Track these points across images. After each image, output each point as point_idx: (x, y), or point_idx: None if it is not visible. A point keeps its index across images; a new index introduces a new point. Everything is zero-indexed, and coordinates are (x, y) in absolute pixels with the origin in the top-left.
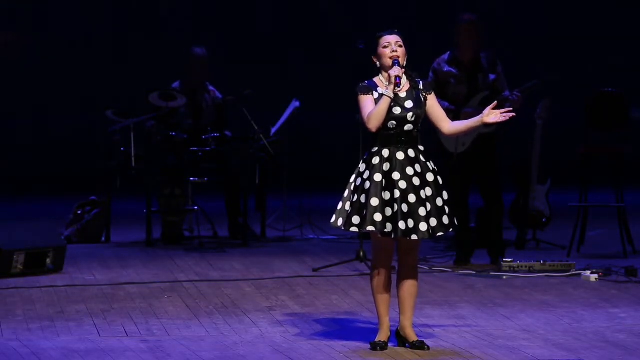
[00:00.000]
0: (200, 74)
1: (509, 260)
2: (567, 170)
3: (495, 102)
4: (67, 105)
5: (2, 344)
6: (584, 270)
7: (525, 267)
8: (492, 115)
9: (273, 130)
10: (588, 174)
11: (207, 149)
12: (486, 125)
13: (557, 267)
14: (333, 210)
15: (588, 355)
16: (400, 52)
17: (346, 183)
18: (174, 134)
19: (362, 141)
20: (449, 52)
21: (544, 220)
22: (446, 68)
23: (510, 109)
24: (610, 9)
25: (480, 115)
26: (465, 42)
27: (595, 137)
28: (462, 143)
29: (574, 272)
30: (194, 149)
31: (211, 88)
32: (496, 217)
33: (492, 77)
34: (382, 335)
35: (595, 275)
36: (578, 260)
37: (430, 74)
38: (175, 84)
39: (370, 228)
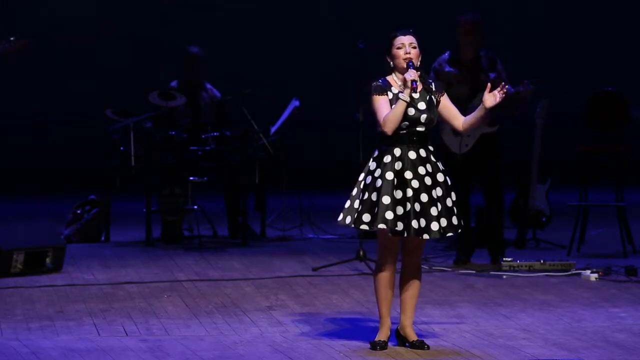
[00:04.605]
0: (197, 73)
1: (509, 259)
2: (567, 170)
3: (489, 84)
4: (67, 104)
5: (2, 344)
6: (584, 269)
7: (526, 266)
8: (490, 99)
9: (273, 129)
10: (588, 173)
11: (207, 148)
12: (491, 124)
13: (557, 266)
14: (333, 209)
15: (588, 355)
16: (414, 53)
17: (346, 182)
18: (173, 133)
19: (362, 140)
20: (448, 52)
21: (544, 219)
22: (447, 68)
23: (505, 86)
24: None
25: (481, 103)
26: (465, 42)
27: (595, 136)
28: (465, 144)
29: (574, 272)
30: (193, 148)
31: (209, 86)
32: (496, 216)
33: (492, 75)
34: (382, 335)
35: (596, 275)
36: (578, 260)
37: (432, 74)
38: (173, 83)
39: (381, 226)
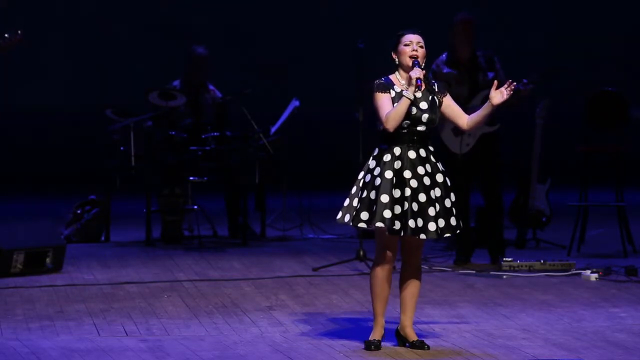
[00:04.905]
0: (202, 73)
1: (509, 259)
2: (567, 170)
3: (496, 82)
4: (67, 104)
5: (2, 344)
6: (584, 269)
7: (525, 266)
8: (498, 96)
9: (273, 129)
10: (588, 173)
11: (207, 148)
12: (491, 124)
13: (557, 266)
14: (333, 209)
15: (588, 355)
16: (421, 52)
17: (346, 182)
18: (173, 133)
19: (362, 140)
20: (445, 53)
21: (544, 219)
22: (445, 69)
23: (513, 82)
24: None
25: (488, 101)
26: (460, 42)
27: (595, 136)
28: (466, 143)
29: (574, 272)
30: (193, 148)
31: (211, 87)
32: (496, 216)
33: (490, 74)
34: (377, 334)
35: (595, 275)
36: (578, 260)
37: (429, 75)
38: (175, 83)
39: (379, 224)
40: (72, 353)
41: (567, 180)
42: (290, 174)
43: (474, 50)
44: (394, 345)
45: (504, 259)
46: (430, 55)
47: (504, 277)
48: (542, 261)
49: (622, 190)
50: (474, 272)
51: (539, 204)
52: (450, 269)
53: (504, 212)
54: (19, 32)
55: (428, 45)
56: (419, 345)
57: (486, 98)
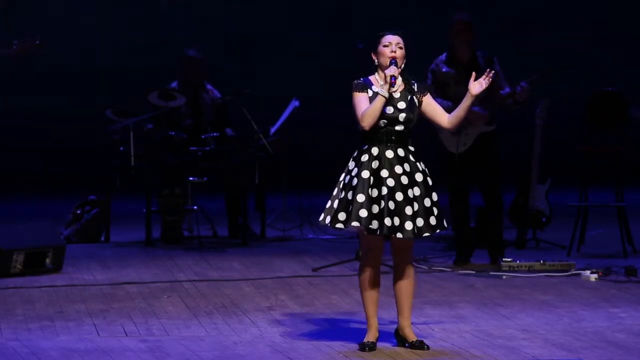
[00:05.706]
0: (195, 75)
1: (509, 260)
2: (567, 170)
3: (474, 73)
4: (67, 104)
5: (2, 344)
6: (584, 270)
7: (525, 266)
8: (477, 86)
9: (273, 129)
10: (588, 173)
11: (207, 148)
12: (488, 123)
13: (557, 266)
14: None
15: (588, 355)
16: (399, 53)
17: None
18: (173, 133)
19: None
20: (445, 53)
21: (543, 219)
22: (445, 69)
23: (491, 72)
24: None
25: (468, 92)
26: (459, 42)
27: (595, 136)
28: (463, 143)
29: (573, 272)
30: (193, 148)
31: (209, 87)
32: (496, 216)
33: None
34: (371, 336)
35: (595, 275)
36: (578, 260)
37: (429, 75)
38: (174, 84)
39: (355, 224)
40: (72, 353)
41: (567, 180)
42: (290, 174)
43: (474, 50)
44: (394, 346)
45: (504, 259)
46: (430, 55)
47: (504, 277)
48: (542, 261)
49: (622, 190)
50: (473, 272)
51: (539, 204)
52: (450, 269)
53: (503, 212)
54: (38, 36)
55: (427, 45)
56: (419, 345)
57: (485, 98)
